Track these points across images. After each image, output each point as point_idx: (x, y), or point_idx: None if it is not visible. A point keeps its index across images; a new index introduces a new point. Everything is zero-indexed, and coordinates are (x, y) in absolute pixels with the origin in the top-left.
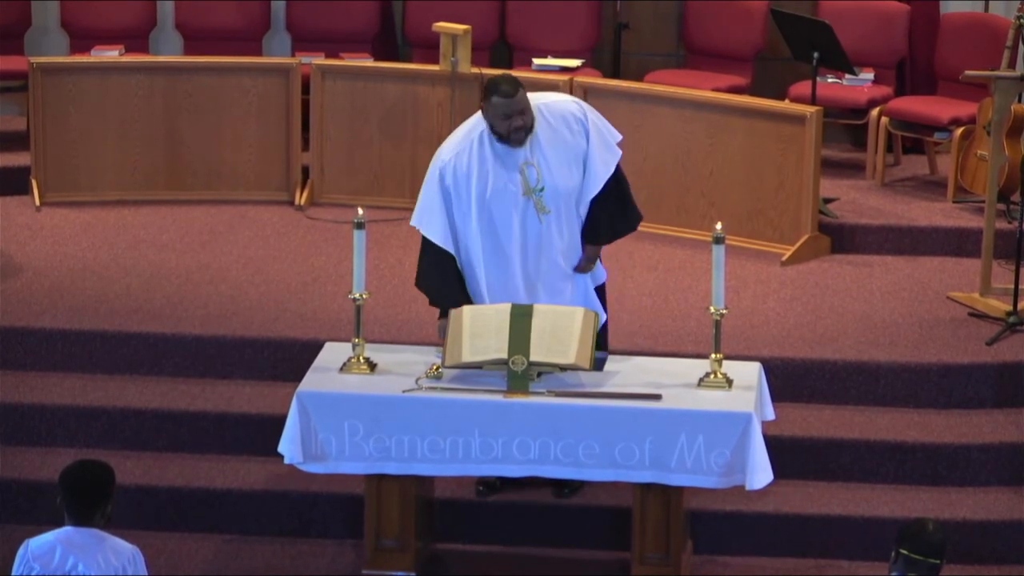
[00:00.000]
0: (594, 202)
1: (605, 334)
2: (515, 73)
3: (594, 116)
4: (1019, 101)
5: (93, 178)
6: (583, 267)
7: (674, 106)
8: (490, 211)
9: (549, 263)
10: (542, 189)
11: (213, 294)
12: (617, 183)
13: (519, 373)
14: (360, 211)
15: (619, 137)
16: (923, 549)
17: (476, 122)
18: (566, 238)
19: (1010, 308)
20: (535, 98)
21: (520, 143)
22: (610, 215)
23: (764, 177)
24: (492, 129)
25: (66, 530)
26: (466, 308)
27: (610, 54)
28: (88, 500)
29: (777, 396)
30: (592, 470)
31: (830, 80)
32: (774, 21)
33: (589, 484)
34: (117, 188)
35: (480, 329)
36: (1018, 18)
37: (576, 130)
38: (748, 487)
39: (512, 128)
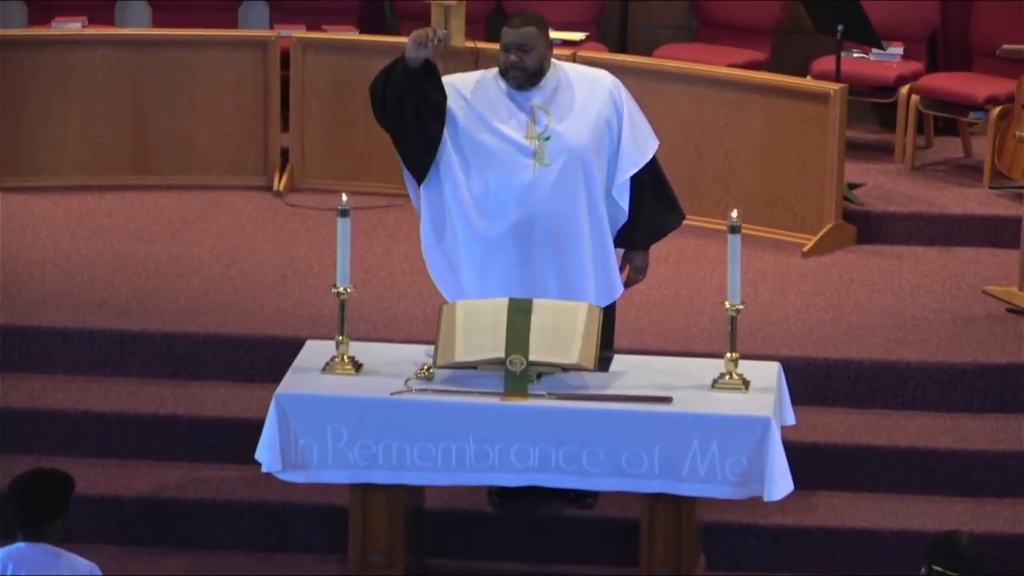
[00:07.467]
0: (632, 201)
1: (611, 331)
2: None
3: (628, 97)
4: None
5: (53, 161)
6: (631, 279)
7: (686, 83)
8: (487, 140)
9: (544, 223)
10: (548, 137)
11: (184, 287)
12: (654, 177)
13: (517, 374)
14: (344, 197)
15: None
16: (957, 565)
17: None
18: (573, 208)
19: None
20: (567, 65)
21: (517, 84)
22: (647, 213)
23: (784, 160)
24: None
25: (17, 546)
26: (460, 303)
27: (616, 26)
28: (40, 512)
29: (798, 399)
30: (597, 479)
31: (856, 55)
32: None
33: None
34: (79, 172)
35: (475, 326)
36: None
37: (604, 97)
38: (766, 498)
39: (508, 63)
